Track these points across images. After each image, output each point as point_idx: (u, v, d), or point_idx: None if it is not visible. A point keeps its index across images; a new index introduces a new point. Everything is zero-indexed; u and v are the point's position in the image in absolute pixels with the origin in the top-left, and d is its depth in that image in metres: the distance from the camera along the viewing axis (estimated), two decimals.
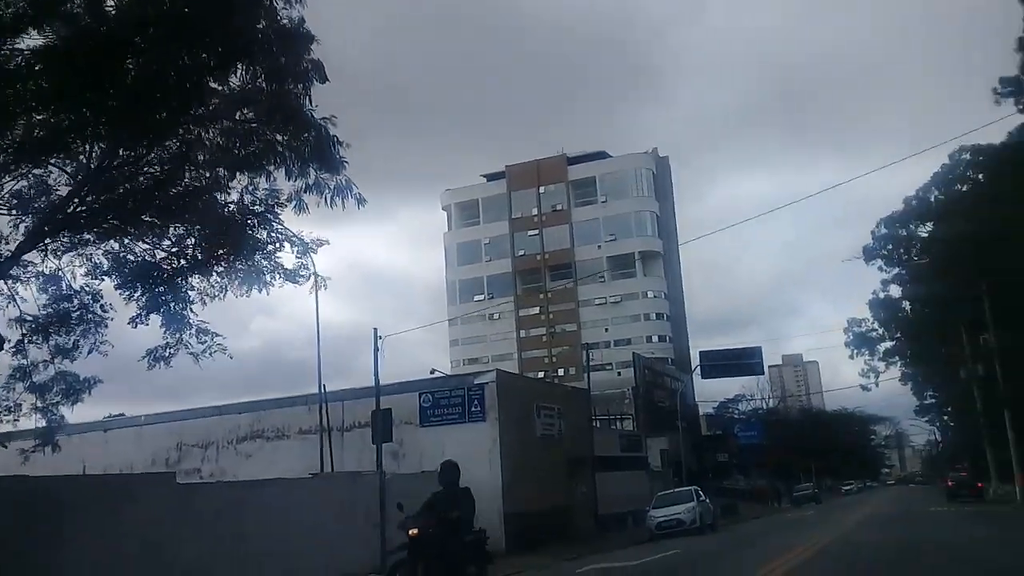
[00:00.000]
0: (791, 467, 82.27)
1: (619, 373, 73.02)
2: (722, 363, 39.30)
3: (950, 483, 41.49)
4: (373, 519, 21.60)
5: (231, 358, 14.18)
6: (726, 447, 57.38)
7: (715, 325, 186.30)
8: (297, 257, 13.96)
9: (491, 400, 24.35)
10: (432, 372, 27.00)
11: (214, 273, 14.23)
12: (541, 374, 77.47)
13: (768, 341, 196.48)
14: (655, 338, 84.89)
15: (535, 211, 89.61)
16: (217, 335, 13.63)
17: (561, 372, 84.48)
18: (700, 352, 40.87)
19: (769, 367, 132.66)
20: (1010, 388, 35.90)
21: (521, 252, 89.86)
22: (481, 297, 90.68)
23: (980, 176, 42.02)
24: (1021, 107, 32.47)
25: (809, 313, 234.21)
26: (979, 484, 40.88)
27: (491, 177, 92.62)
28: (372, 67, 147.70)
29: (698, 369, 38.73)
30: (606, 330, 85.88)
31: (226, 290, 14.25)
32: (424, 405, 25.10)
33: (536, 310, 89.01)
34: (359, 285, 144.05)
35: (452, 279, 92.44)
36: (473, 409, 24.41)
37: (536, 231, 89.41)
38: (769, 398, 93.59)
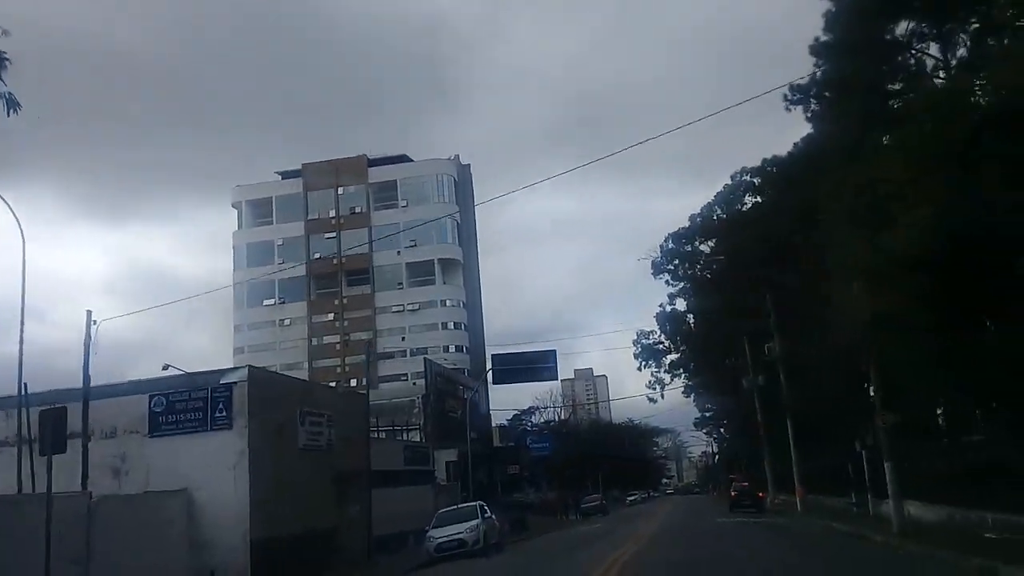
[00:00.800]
0: (581, 479, 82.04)
1: (414, 383, 69.28)
2: (515, 367, 36.21)
3: (733, 493, 41.04)
4: (72, 554, 16.71)
5: None
6: (517, 459, 55.15)
7: (512, 339, 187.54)
8: None
9: (241, 404, 19.76)
10: (165, 368, 21.97)
11: None
12: (334, 384, 72.40)
13: (561, 351, 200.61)
14: (452, 348, 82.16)
15: (333, 212, 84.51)
16: None
17: (354, 382, 79.80)
18: (493, 355, 38.01)
19: (562, 381, 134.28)
20: (792, 396, 35.75)
21: (317, 255, 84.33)
22: (271, 302, 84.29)
23: (768, 190, 42.46)
24: (809, 115, 32.42)
25: (601, 329, 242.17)
26: (761, 494, 40.79)
27: (287, 175, 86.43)
28: (163, 54, 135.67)
29: (491, 374, 35.59)
30: (403, 339, 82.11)
31: None
32: (155, 410, 20.11)
33: (330, 316, 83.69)
34: (139, 286, 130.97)
35: (241, 281, 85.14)
36: (218, 415, 19.73)
37: (333, 233, 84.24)
38: (561, 410, 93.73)
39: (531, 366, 35.17)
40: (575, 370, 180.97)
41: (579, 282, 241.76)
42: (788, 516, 33.59)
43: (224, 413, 19.60)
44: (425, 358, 44.97)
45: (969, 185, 13.62)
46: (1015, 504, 17.53)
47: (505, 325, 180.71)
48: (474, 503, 27.02)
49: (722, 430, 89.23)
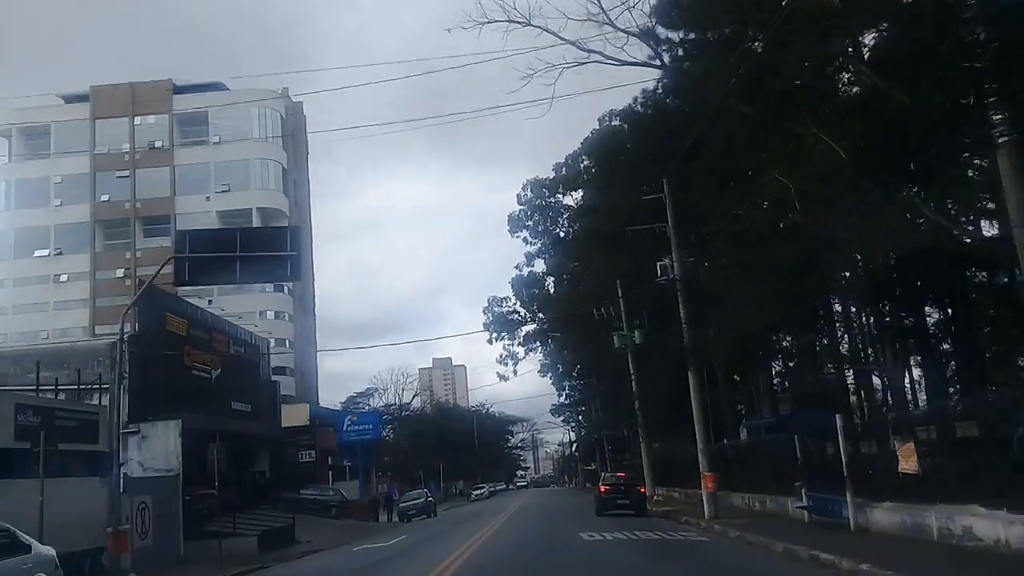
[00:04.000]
0: (422, 469, 66.80)
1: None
2: (217, 255, 18.03)
3: (603, 488, 25.90)
4: None
5: None
6: (315, 443, 38.93)
7: (363, 328, 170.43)
8: None
9: None
10: None
11: None
12: None
13: (420, 342, 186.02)
14: (271, 314, 64.81)
15: (127, 147, 65.23)
16: None
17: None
18: (179, 231, 21.66)
19: (420, 369, 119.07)
20: (696, 335, 21.56)
21: (105, 197, 64.68)
22: (45, 252, 64.27)
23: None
24: None
25: (463, 321, 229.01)
26: (641, 489, 26.05)
27: (71, 99, 66.41)
28: None
29: (177, 266, 18.25)
30: (209, 301, 63.75)
31: None
32: None
33: (120, 273, 64.29)
34: None
35: (6, 227, 64.89)
36: None
37: (127, 172, 65.09)
38: (404, 392, 79.08)
39: (249, 254, 17.16)
40: (433, 359, 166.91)
41: (438, 271, 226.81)
42: (696, 527, 18.95)
43: None
44: (139, 278, 28.26)
45: None
46: None
47: (353, 312, 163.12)
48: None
49: (580, 417, 76.84)
